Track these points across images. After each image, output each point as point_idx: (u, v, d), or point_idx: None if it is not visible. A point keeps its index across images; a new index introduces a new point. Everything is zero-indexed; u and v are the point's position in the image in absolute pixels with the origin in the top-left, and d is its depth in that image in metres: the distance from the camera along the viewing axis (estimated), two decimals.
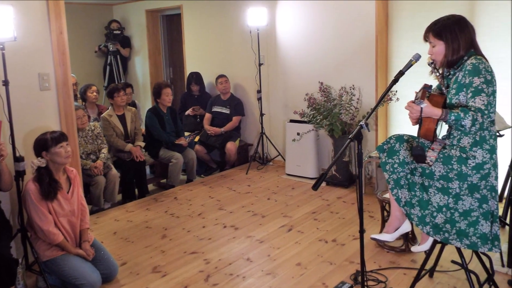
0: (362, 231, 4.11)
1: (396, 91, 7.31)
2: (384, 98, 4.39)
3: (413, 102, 4.11)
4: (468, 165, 4.04)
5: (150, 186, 8.49)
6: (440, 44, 4.17)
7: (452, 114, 3.96)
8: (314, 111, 8.01)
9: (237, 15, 9.56)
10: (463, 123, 3.94)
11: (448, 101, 4.22)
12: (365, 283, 4.24)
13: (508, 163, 5.71)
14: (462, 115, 3.92)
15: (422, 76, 4.90)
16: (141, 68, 12.31)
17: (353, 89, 7.94)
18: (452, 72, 4.28)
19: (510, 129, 5.92)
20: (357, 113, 7.78)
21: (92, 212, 6.96)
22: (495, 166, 4.06)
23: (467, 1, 6.60)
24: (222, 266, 5.21)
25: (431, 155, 4.20)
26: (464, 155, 4.08)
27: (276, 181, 8.34)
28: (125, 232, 6.24)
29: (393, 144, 4.32)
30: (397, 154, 4.27)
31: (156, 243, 5.86)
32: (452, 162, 4.08)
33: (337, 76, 8.20)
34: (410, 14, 7.30)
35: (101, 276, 4.76)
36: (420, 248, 4.30)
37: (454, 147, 4.16)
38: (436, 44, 4.19)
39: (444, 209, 4.10)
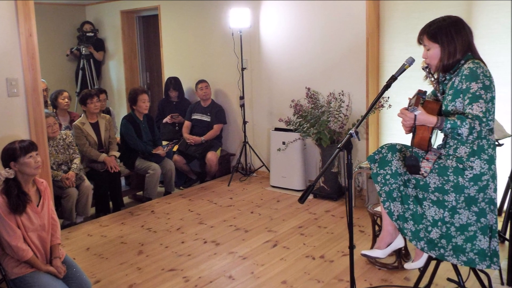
0: (352, 247, 4.09)
1: (388, 97, 7.35)
2: (375, 105, 4.35)
3: (406, 109, 4.09)
4: (465, 176, 4.02)
5: (126, 199, 8.49)
6: (435, 47, 4.15)
7: (448, 122, 3.94)
8: (301, 119, 8.03)
9: (218, 16, 9.56)
10: (459, 131, 3.91)
11: (443, 108, 4.20)
12: None
13: (508, 174, 5.74)
14: (458, 123, 3.90)
15: (416, 81, 4.99)
16: (115, 73, 12.29)
17: (342, 95, 7.99)
18: (448, 77, 4.26)
19: (510, 138, 5.96)
20: (346, 121, 7.80)
21: (63, 227, 6.95)
22: (493, 177, 4.06)
23: (464, 1, 6.64)
24: (203, 284, 5.20)
25: (425, 166, 4.18)
26: (460, 166, 4.06)
27: (260, 193, 8.36)
28: (99, 248, 6.22)
29: (385, 154, 4.30)
30: (389, 164, 4.25)
31: (132, 259, 5.85)
32: (448, 173, 4.07)
33: (325, 81, 8.23)
34: (403, 15, 7.34)
35: None
36: (414, 265, 4.32)
37: (450, 157, 4.15)
38: (431, 47, 4.17)
39: (439, 223, 4.09)
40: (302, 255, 5.80)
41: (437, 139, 4.35)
